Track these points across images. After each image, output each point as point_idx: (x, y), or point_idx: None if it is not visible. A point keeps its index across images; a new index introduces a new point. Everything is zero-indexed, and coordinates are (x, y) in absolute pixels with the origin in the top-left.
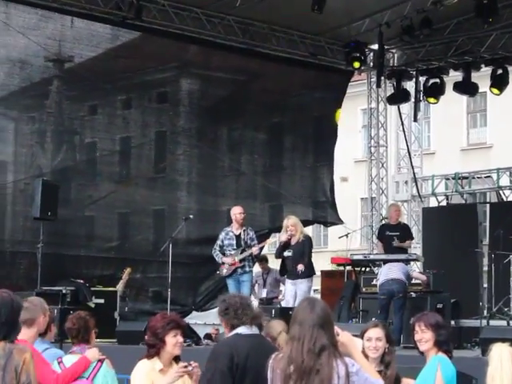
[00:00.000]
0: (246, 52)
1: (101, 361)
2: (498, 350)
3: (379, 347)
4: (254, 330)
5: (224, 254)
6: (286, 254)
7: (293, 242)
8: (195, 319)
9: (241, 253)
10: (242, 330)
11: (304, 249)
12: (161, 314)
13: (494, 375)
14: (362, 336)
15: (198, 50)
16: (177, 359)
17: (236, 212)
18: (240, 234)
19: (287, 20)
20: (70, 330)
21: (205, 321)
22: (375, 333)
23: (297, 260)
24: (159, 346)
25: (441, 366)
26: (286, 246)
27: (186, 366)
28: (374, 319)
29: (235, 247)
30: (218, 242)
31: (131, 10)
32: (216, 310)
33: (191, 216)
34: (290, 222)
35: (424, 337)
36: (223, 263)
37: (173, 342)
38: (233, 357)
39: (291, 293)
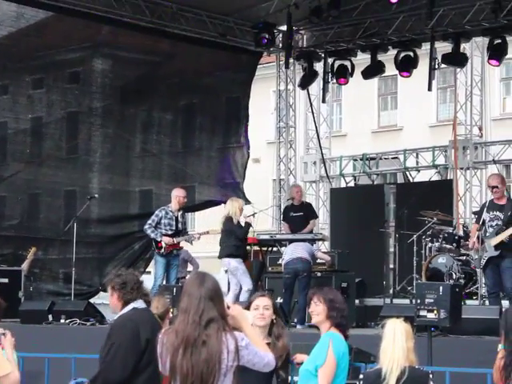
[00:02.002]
0: (156, 32)
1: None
2: (391, 325)
3: (266, 316)
4: (146, 305)
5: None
6: None
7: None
8: (102, 299)
9: (180, 235)
10: (138, 304)
11: None
12: None
13: (386, 349)
14: (248, 306)
15: (110, 31)
16: None
17: (180, 194)
18: (178, 216)
19: (196, 0)
20: None
21: None
22: (262, 301)
23: None
24: None
25: (332, 343)
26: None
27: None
28: (279, 298)
29: (174, 228)
30: (156, 219)
31: None
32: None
33: (96, 195)
34: (242, 203)
35: (316, 309)
36: (160, 241)
37: None
38: (138, 332)
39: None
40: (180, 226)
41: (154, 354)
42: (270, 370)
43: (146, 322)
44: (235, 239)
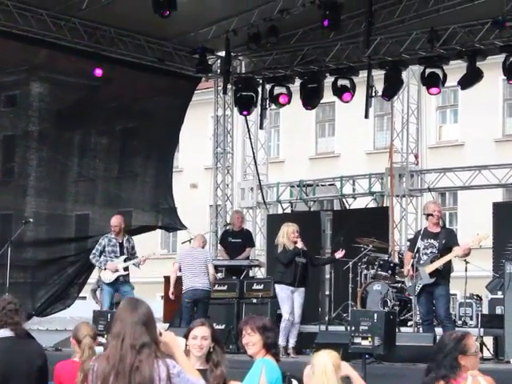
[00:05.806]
0: (94, 56)
1: None
2: (321, 363)
3: (204, 346)
4: (9, 333)
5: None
6: (299, 259)
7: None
8: (37, 325)
9: (124, 261)
10: (1, 333)
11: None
12: None
13: None
14: (187, 334)
15: (48, 54)
16: None
17: (112, 223)
18: (123, 241)
19: (134, 24)
20: None
21: (47, 327)
22: (201, 331)
23: (308, 266)
24: None
25: (265, 369)
26: (298, 252)
27: None
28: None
29: (118, 254)
30: (99, 248)
31: None
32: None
33: (31, 220)
34: (295, 228)
35: (251, 340)
36: (105, 269)
37: None
38: None
39: (289, 298)
40: (125, 251)
41: None
42: None
43: (2, 352)
44: (280, 266)
